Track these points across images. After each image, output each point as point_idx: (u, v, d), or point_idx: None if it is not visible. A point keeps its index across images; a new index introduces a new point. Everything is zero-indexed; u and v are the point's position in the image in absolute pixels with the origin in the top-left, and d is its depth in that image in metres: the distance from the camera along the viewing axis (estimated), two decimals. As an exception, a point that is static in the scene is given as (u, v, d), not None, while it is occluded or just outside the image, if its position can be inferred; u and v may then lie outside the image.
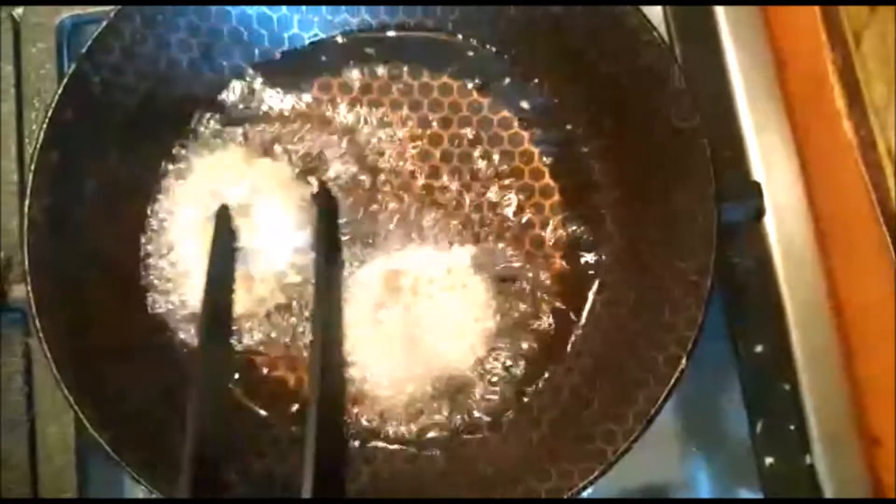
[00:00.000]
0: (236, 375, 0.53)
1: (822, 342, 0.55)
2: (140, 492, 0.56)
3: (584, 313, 0.52)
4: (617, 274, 0.51)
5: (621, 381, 0.47)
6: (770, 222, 0.57)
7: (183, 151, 0.55)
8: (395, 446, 0.51)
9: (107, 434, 0.45)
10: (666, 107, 0.47)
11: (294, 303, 0.53)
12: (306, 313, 0.53)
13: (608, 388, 0.48)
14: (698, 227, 0.46)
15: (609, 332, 0.50)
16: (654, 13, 0.57)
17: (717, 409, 0.56)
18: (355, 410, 0.51)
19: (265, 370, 0.53)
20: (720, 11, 0.60)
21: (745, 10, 0.60)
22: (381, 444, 0.51)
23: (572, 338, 0.52)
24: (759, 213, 0.56)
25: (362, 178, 0.55)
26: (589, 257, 0.53)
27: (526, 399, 0.51)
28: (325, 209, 0.53)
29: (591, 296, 0.52)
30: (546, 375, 0.51)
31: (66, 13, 0.60)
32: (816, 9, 0.53)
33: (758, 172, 0.58)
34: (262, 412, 0.52)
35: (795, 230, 0.57)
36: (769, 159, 0.58)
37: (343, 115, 0.56)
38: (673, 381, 0.44)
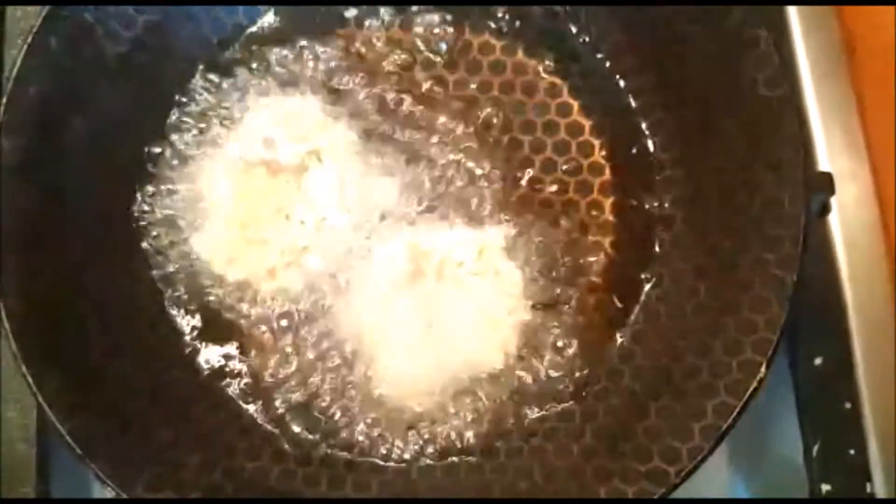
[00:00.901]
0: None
1: (889, 356, 0.50)
2: (108, 490, 0.49)
3: (637, 309, 0.47)
4: (679, 265, 0.46)
5: (685, 389, 0.42)
6: (834, 219, 0.52)
7: (200, 96, 0.50)
8: (409, 455, 0.45)
9: (71, 422, 0.39)
10: (751, 73, 0.42)
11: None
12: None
13: (668, 397, 0.42)
14: (784, 212, 0.41)
15: (668, 330, 0.45)
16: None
17: (769, 428, 0.51)
18: (361, 412, 0.45)
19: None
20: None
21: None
22: (391, 451, 0.45)
23: (621, 337, 0.47)
24: (826, 209, 0.50)
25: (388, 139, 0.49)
26: (643, 245, 0.48)
27: (566, 404, 0.45)
28: None
29: (645, 289, 0.47)
30: (589, 378, 0.46)
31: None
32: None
33: (823, 165, 0.53)
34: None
35: (862, 231, 0.52)
36: (835, 151, 0.53)
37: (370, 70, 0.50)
38: (750, 391, 0.39)
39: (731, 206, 0.44)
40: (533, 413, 0.45)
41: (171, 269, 0.48)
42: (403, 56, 0.51)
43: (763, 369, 0.39)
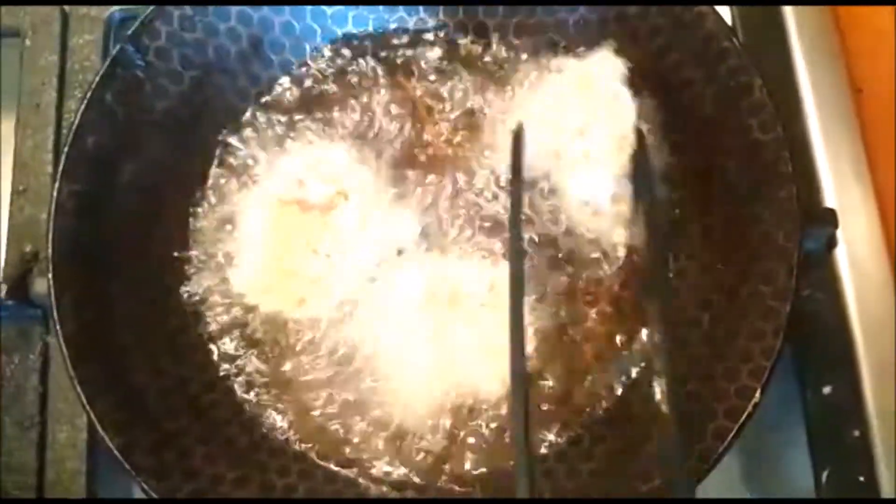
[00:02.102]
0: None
1: (896, 385, 0.50)
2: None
3: (641, 340, 0.48)
4: (684, 297, 0.48)
5: (688, 414, 0.42)
6: (842, 254, 0.53)
7: (239, 143, 0.54)
8: (419, 478, 0.47)
9: (119, 439, 0.42)
10: (747, 118, 0.44)
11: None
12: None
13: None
14: (778, 248, 0.43)
15: (674, 359, 0.46)
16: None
17: (779, 455, 0.53)
18: (380, 437, 0.47)
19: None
20: (794, 36, 0.57)
21: (819, 35, 0.58)
22: (395, 471, 0.47)
23: (629, 365, 0.48)
24: (832, 243, 0.52)
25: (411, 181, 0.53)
26: (650, 279, 0.49)
27: (575, 430, 0.47)
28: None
29: (651, 321, 0.48)
30: (598, 405, 0.47)
31: (117, 7, 0.59)
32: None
33: (830, 202, 0.54)
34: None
35: (869, 263, 0.53)
36: (842, 189, 0.55)
37: (394, 117, 0.54)
38: (745, 415, 0.40)
39: (732, 241, 0.46)
40: (543, 438, 0.47)
41: (209, 298, 0.50)
42: (427, 105, 0.54)
43: (758, 395, 0.40)
